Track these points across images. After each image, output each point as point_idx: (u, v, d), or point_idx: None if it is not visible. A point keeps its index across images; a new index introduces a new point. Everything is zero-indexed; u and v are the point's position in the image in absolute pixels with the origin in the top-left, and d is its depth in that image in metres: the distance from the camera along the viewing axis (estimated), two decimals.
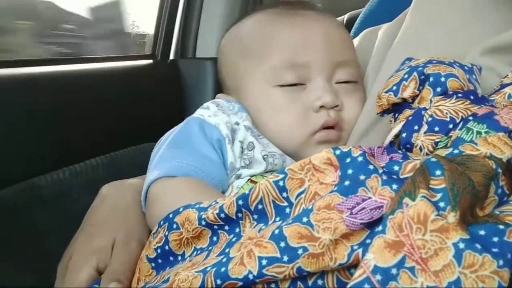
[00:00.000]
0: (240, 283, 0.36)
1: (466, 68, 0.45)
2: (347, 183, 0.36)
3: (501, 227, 0.32)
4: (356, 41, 0.71)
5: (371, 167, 0.36)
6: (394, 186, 0.35)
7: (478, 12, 0.54)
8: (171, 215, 0.46)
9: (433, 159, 0.35)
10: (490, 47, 0.50)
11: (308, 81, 0.60)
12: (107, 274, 0.48)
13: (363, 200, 0.34)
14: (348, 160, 0.37)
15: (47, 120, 0.75)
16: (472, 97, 0.42)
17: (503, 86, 0.45)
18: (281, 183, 0.39)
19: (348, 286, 0.31)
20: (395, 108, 0.47)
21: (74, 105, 0.80)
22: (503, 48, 0.49)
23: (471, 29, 0.54)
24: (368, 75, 0.65)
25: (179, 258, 0.45)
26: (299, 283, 0.36)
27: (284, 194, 0.39)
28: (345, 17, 1.40)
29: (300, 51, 0.60)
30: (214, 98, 0.66)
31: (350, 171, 0.37)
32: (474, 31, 0.53)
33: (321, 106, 0.59)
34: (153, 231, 0.48)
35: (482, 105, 0.41)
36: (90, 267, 0.50)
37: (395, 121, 0.46)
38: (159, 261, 0.46)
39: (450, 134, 0.40)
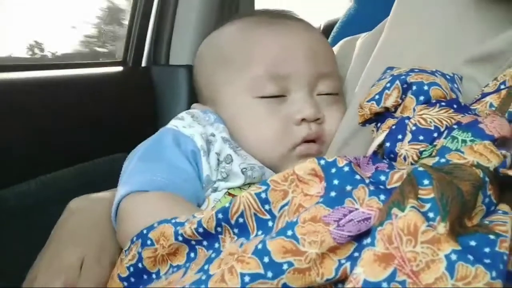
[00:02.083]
0: None
1: (448, 77, 0.45)
2: (333, 194, 0.34)
3: (492, 237, 0.31)
4: (334, 50, 0.70)
5: (357, 177, 0.35)
6: (382, 197, 0.33)
7: (460, 22, 0.54)
8: (145, 231, 0.43)
9: (421, 168, 0.34)
10: (471, 56, 0.50)
11: (289, 93, 0.59)
12: None
13: (350, 212, 0.33)
14: (333, 170, 0.36)
15: (11, 129, 0.71)
16: (455, 106, 0.41)
17: (484, 95, 0.45)
18: (263, 195, 0.37)
19: None
20: (377, 118, 0.46)
21: (41, 113, 0.76)
22: (484, 58, 0.49)
23: (454, 39, 0.53)
24: (346, 86, 0.64)
25: (154, 276, 0.43)
26: None
27: (267, 207, 0.37)
28: (322, 25, 1.40)
29: (282, 62, 0.58)
30: (188, 106, 0.63)
31: (336, 182, 0.35)
32: (457, 41, 0.53)
33: (303, 119, 0.57)
34: (125, 248, 0.45)
35: (466, 114, 0.41)
36: (57, 287, 0.46)
37: (377, 130, 0.45)
38: (132, 280, 0.44)
39: (435, 143, 0.39)
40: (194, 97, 0.68)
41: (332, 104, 0.60)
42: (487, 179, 0.35)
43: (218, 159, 0.55)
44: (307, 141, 0.58)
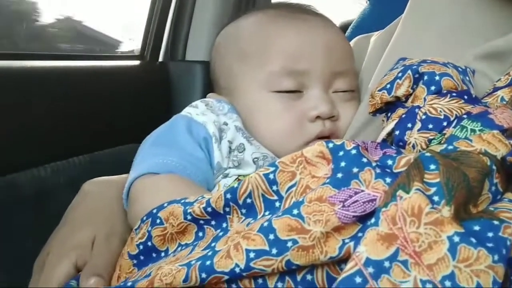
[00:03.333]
0: (226, 277, 0.34)
1: (460, 69, 0.45)
2: (339, 175, 0.35)
3: (496, 222, 0.31)
4: None
5: (364, 160, 0.35)
6: (388, 180, 0.34)
7: (466, 18, 0.54)
8: (154, 210, 0.44)
9: (428, 154, 0.34)
10: (482, 53, 0.50)
11: (305, 88, 0.59)
12: (87, 269, 0.46)
13: (356, 193, 0.34)
14: (341, 153, 0.36)
15: (28, 116, 0.73)
16: (466, 97, 0.42)
17: (496, 89, 0.45)
18: (271, 176, 0.38)
19: (340, 278, 0.30)
20: (388, 108, 0.46)
21: (58, 102, 0.78)
22: (495, 55, 0.49)
23: (461, 35, 0.54)
24: (360, 82, 0.64)
25: (162, 254, 0.44)
26: (287, 278, 0.34)
27: (274, 188, 0.38)
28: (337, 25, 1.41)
29: (300, 58, 0.58)
30: None
31: (343, 164, 0.36)
32: (463, 38, 0.53)
33: (317, 116, 0.58)
34: (135, 227, 0.46)
35: (476, 105, 0.41)
36: (69, 263, 0.48)
37: (387, 120, 0.46)
38: (141, 257, 0.45)
39: (444, 132, 0.39)
40: (209, 91, 0.69)
41: (347, 101, 0.60)
42: (494, 167, 0.35)
43: (230, 147, 0.56)
44: (320, 137, 0.58)
